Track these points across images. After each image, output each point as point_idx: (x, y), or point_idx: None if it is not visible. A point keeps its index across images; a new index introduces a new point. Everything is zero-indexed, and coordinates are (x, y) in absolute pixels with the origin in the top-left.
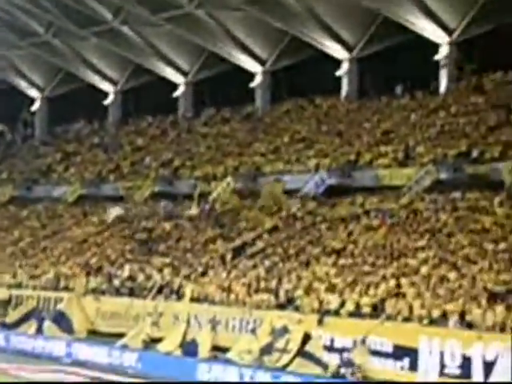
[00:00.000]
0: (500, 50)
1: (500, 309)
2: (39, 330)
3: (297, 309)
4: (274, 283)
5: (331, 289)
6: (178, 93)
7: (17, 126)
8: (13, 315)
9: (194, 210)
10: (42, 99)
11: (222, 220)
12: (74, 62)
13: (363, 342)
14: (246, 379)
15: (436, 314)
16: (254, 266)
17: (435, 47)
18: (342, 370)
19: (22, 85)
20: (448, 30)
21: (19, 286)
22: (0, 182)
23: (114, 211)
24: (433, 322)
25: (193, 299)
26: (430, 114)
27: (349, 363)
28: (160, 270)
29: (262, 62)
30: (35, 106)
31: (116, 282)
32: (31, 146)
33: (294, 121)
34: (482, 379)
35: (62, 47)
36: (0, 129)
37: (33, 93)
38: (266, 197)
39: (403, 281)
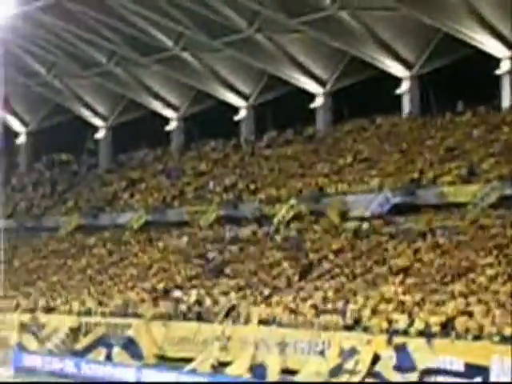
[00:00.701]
0: None
1: None
2: (108, 357)
3: (365, 329)
4: (341, 304)
5: (399, 308)
6: (239, 116)
7: (82, 156)
8: (83, 342)
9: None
10: (105, 128)
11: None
12: (136, 89)
13: None
14: None
15: (507, 331)
16: (321, 287)
17: (496, 62)
18: None
19: (86, 114)
20: (509, 44)
21: (88, 313)
22: (67, 210)
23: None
24: (504, 340)
25: (260, 322)
26: (493, 130)
27: None
28: (226, 294)
29: (322, 83)
30: (99, 135)
31: (183, 307)
32: (96, 174)
33: (356, 141)
34: None
35: (124, 76)
36: (66, 158)
37: (96, 122)
38: (333, 216)
39: (472, 298)
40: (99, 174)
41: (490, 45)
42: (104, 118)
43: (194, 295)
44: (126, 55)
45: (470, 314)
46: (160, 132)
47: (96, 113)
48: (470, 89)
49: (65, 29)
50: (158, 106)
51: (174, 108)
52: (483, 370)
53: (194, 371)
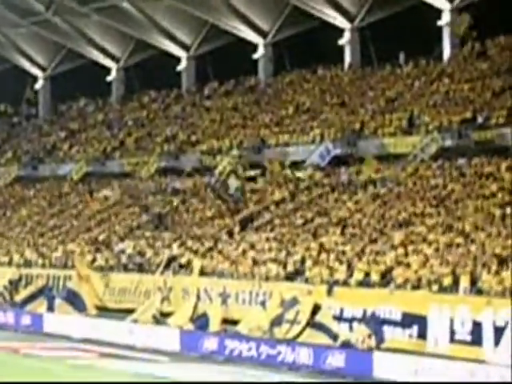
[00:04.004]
0: (502, 15)
1: (509, 274)
2: (50, 308)
3: (306, 280)
4: (282, 255)
5: (339, 259)
6: (180, 67)
7: (20, 106)
8: (22, 294)
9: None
10: (44, 78)
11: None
12: (75, 39)
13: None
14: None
15: (445, 281)
16: (262, 239)
17: (438, 13)
18: (352, 340)
19: (24, 64)
20: None
21: (28, 264)
22: (5, 161)
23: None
24: (442, 290)
25: (202, 273)
26: (434, 81)
27: None
28: (168, 246)
29: (263, 34)
30: (38, 85)
31: (124, 258)
32: (35, 125)
33: (297, 92)
34: (492, 345)
35: (63, 25)
36: (3, 109)
37: (35, 71)
38: (274, 168)
39: (411, 248)
40: (38, 125)
41: None
42: (43, 68)
43: (134, 246)
44: (64, 4)
45: (409, 265)
46: (100, 82)
47: (35, 62)
48: (412, 40)
49: None
50: (98, 56)
51: (114, 58)
52: (421, 319)
53: (135, 321)
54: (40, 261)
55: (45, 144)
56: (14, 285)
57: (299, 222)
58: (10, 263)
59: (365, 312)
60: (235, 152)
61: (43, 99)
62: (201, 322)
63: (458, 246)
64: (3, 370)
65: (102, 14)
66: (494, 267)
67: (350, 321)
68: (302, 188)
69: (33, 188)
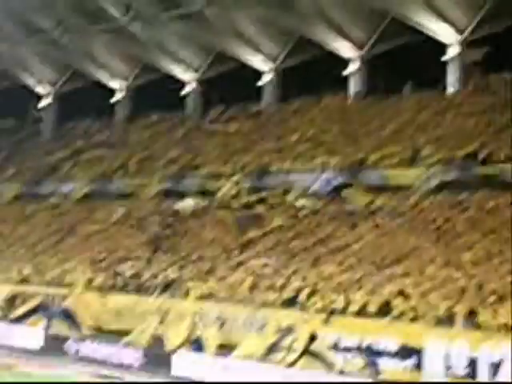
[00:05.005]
0: (510, 50)
1: (508, 310)
2: (48, 327)
3: (303, 308)
4: (280, 282)
5: (337, 288)
6: (186, 90)
7: (25, 124)
8: (19, 311)
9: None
10: (50, 96)
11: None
12: (82, 59)
13: None
14: None
15: (442, 314)
16: (261, 265)
17: (443, 47)
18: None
19: (31, 82)
20: (458, 30)
21: (25, 282)
22: (7, 178)
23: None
24: (439, 322)
25: (199, 297)
26: (437, 115)
27: None
28: (165, 269)
29: (271, 61)
30: (44, 103)
31: (122, 279)
32: (39, 143)
33: (302, 120)
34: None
35: (71, 44)
36: (8, 126)
37: (41, 90)
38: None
39: (409, 281)
40: (42, 143)
41: (439, 31)
42: (49, 87)
43: (133, 268)
44: (73, 23)
45: (407, 297)
46: (106, 103)
47: (41, 81)
48: (418, 73)
49: None
50: (104, 77)
51: (121, 79)
52: (417, 352)
53: (130, 343)
54: (37, 278)
55: (48, 162)
56: (11, 302)
57: (298, 249)
58: (7, 280)
59: (361, 342)
60: (236, 177)
61: (48, 118)
62: (196, 345)
63: (457, 280)
64: None
65: (110, 35)
66: (491, 302)
67: (346, 350)
68: (302, 216)
69: (34, 205)
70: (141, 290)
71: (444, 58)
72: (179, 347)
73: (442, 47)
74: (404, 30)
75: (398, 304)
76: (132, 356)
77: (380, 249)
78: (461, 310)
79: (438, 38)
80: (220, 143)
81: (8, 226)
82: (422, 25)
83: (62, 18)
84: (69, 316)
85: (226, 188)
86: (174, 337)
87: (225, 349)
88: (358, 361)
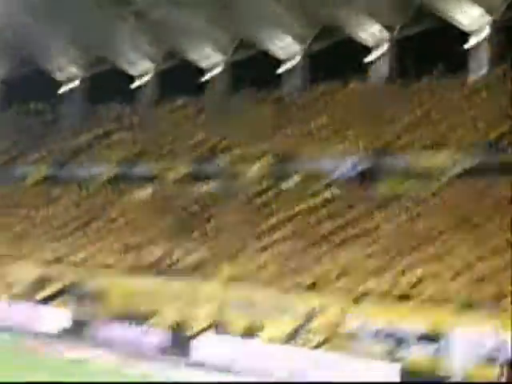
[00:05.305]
0: None
1: None
2: (74, 308)
3: (330, 291)
4: (307, 265)
5: (364, 272)
6: (212, 74)
7: (55, 106)
8: (47, 291)
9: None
10: (80, 79)
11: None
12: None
13: None
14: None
15: (468, 299)
16: (288, 249)
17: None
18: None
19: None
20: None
21: (53, 264)
22: (36, 160)
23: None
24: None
25: (225, 280)
26: (463, 100)
27: None
28: (193, 251)
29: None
30: (73, 85)
31: (150, 262)
32: (68, 125)
33: (328, 104)
34: None
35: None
36: (39, 108)
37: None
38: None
39: (436, 265)
40: (71, 125)
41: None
42: (79, 69)
43: (161, 250)
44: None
45: (433, 281)
46: (132, 86)
47: (70, 63)
48: (446, 57)
49: None
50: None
51: (148, 63)
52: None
53: (156, 325)
54: (65, 260)
55: (75, 144)
56: (39, 283)
57: (324, 233)
58: (35, 262)
59: (387, 326)
60: (262, 161)
61: (78, 100)
62: (222, 328)
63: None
64: None
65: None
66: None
67: (372, 334)
68: (328, 199)
69: (61, 188)
70: (167, 272)
71: (471, 43)
72: (205, 330)
73: (468, 33)
74: (432, 14)
75: (425, 288)
76: (157, 338)
77: (406, 233)
78: (487, 294)
79: (466, 22)
80: (246, 127)
81: (35, 207)
82: (450, 9)
83: None
84: (96, 298)
85: (253, 171)
86: (199, 319)
87: (251, 331)
88: (384, 344)
